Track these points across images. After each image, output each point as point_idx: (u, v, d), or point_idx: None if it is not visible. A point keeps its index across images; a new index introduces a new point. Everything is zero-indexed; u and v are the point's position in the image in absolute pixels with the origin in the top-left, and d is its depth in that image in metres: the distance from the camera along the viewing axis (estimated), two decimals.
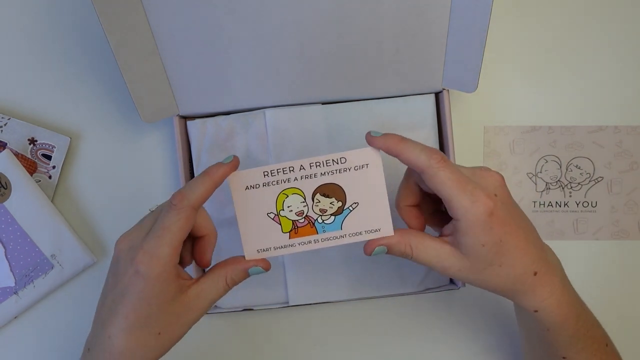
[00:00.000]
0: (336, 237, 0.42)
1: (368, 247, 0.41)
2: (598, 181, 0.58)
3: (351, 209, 0.41)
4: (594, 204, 0.58)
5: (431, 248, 0.41)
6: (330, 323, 0.57)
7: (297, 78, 0.53)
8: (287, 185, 0.41)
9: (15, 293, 0.55)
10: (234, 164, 0.41)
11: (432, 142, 0.55)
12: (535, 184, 0.58)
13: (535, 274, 0.40)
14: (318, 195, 0.41)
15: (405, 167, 0.44)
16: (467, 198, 0.38)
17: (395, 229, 0.41)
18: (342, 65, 0.52)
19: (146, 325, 0.39)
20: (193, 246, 0.43)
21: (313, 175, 0.41)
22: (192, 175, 0.56)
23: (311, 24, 0.50)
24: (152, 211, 0.41)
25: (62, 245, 0.55)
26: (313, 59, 0.52)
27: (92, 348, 0.40)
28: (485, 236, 0.39)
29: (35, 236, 0.55)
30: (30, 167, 0.56)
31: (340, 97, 0.55)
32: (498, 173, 0.41)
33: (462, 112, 0.58)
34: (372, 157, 0.41)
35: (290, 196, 0.41)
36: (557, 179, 0.58)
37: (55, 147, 0.56)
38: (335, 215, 0.41)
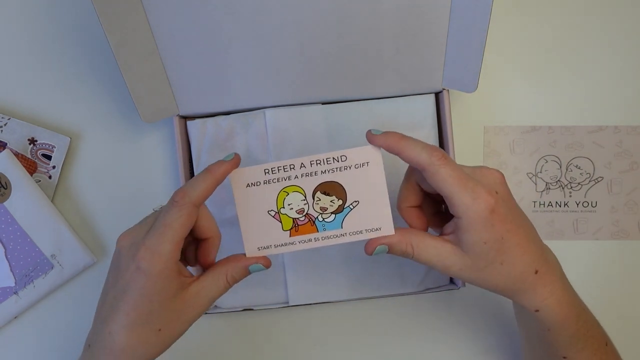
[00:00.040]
0: (336, 236, 0.42)
1: (369, 247, 0.41)
2: (598, 181, 0.58)
3: (351, 207, 0.41)
4: (594, 204, 0.58)
5: (432, 247, 0.41)
6: (330, 323, 0.57)
7: (297, 78, 0.53)
8: (288, 183, 0.41)
9: (15, 293, 0.55)
10: (235, 161, 0.41)
11: (432, 142, 0.55)
12: (535, 184, 0.58)
13: (536, 272, 0.40)
14: (318, 193, 0.41)
15: (406, 167, 0.44)
16: (468, 195, 0.38)
17: (396, 228, 0.41)
18: (342, 65, 0.52)
19: (147, 322, 0.39)
20: (197, 248, 0.44)
21: (314, 173, 0.41)
22: (192, 175, 0.56)
23: (311, 24, 0.50)
24: (156, 211, 0.41)
25: (62, 245, 0.55)
26: (313, 59, 0.52)
27: (92, 344, 0.40)
28: (486, 233, 0.39)
29: (35, 236, 0.55)
30: (30, 167, 0.56)
31: (340, 97, 0.55)
32: (499, 171, 0.41)
33: (462, 112, 0.58)
34: (373, 155, 0.41)
35: (291, 194, 0.41)
36: (557, 179, 0.58)
37: (55, 147, 0.56)
38: (335, 214, 0.41)
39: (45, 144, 0.56)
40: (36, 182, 0.56)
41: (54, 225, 0.55)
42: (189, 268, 0.44)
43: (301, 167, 0.41)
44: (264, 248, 0.42)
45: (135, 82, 0.51)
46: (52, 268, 0.55)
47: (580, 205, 0.58)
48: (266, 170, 0.41)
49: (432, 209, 0.45)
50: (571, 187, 0.58)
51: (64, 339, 0.57)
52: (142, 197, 0.58)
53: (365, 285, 0.55)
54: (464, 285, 0.54)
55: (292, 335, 0.58)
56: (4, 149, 0.55)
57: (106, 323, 0.39)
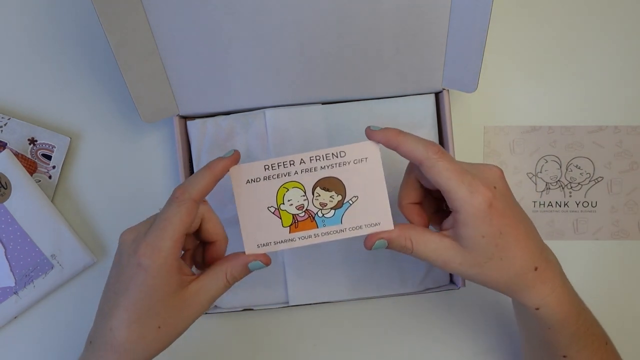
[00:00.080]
0: (336, 231, 0.42)
1: (368, 241, 0.41)
2: (598, 181, 0.58)
3: (351, 202, 0.41)
4: (594, 204, 0.58)
5: (431, 242, 0.41)
6: (330, 323, 0.57)
7: (297, 78, 0.53)
8: (288, 178, 0.41)
9: (15, 293, 0.55)
10: (234, 157, 0.41)
11: None
12: (535, 184, 0.58)
13: (535, 269, 0.40)
14: (318, 189, 0.41)
15: (406, 165, 0.44)
16: (466, 189, 0.38)
17: (395, 223, 0.42)
18: (342, 65, 0.52)
19: (146, 318, 0.39)
20: (205, 252, 0.44)
21: (313, 169, 0.41)
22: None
23: (311, 24, 0.50)
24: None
25: (62, 245, 0.55)
26: (313, 59, 0.52)
27: (93, 341, 0.40)
28: (484, 227, 0.39)
29: (35, 236, 0.55)
30: (30, 167, 0.56)
31: (340, 97, 0.55)
32: (498, 167, 0.41)
33: (462, 112, 0.58)
34: (371, 151, 0.41)
35: (291, 190, 0.41)
36: (557, 179, 0.58)
37: (55, 147, 0.56)
38: (335, 209, 0.41)
39: (45, 144, 0.56)
40: (36, 182, 0.56)
41: (54, 225, 0.55)
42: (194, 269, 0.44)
43: (301, 163, 0.41)
44: (264, 245, 0.42)
45: (135, 82, 0.51)
46: (52, 268, 0.55)
47: (580, 205, 0.58)
48: (266, 166, 0.41)
49: (434, 207, 0.46)
50: (571, 187, 0.58)
51: (64, 339, 0.57)
52: (142, 197, 0.58)
53: (365, 285, 0.55)
54: (464, 285, 0.54)
55: (292, 335, 0.58)
56: (4, 149, 0.55)
57: (107, 319, 0.39)
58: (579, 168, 0.58)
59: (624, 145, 0.58)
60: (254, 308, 0.56)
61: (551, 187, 0.58)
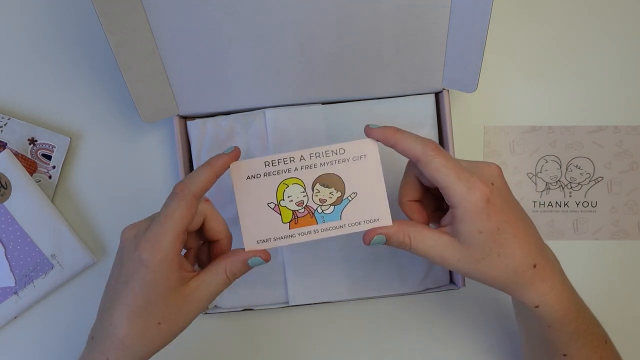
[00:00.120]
0: (335, 227, 0.42)
1: (367, 237, 0.41)
2: (598, 181, 0.58)
3: (350, 198, 0.42)
4: (594, 204, 0.58)
5: (429, 238, 0.41)
6: (330, 323, 0.57)
7: (297, 78, 0.53)
8: (288, 175, 0.42)
9: (15, 293, 0.55)
10: (234, 154, 0.42)
11: None
12: (535, 184, 0.58)
13: (534, 266, 0.40)
14: (318, 185, 0.42)
15: (406, 163, 0.44)
16: (463, 185, 0.39)
17: (394, 220, 0.42)
18: (342, 65, 0.52)
19: (147, 314, 0.39)
20: (209, 250, 0.44)
21: (313, 165, 0.42)
22: None
23: (311, 24, 0.50)
24: None
25: (62, 245, 0.55)
26: (313, 59, 0.52)
27: (95, 336, 0.41)
28: (482, 223, 0.39)
29: (35, 236, 0.55)
30: (30, 167, 0.56)
31: (340, 97, 0.55)
32: (496, 164, 0.42)
33: (462, 112, 0.58)
34: (370, 148, 0.42)
35: (291, 186, 0.42)
36: (557, 179, 0.58)
37: (55, 147, 0.56)
38: (334, 205, 0.42)
39: (45, 144, 0.56)
40: (36, 182, 0.56)
41: (54, 225, 0.55)
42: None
43: (301, 159, 0.41)
44: (263, 241, 0.42)
45: (135, 82, 0.51)
46: (52, 268, 0.55)
47: (580, 205, 0.58)
48: (266, 163, 0.42)
49: (434, 206, 0.46)
50: (571, 187, 0.58)
51: (64, 339, 0.57)
52: (142, 197, 0.58)
53: (365, 285, 0.55)
54: (464, 285, 0.54)
55: (292, 335, 0.58)
56: (4, 149, 0.55)
57: (108, 314, 0.39)
58: (579, 168, 0.58)
59: (624, 145, 0.58)
60: (254, 308, 0.56)
61: (551, 187, 0.58)
